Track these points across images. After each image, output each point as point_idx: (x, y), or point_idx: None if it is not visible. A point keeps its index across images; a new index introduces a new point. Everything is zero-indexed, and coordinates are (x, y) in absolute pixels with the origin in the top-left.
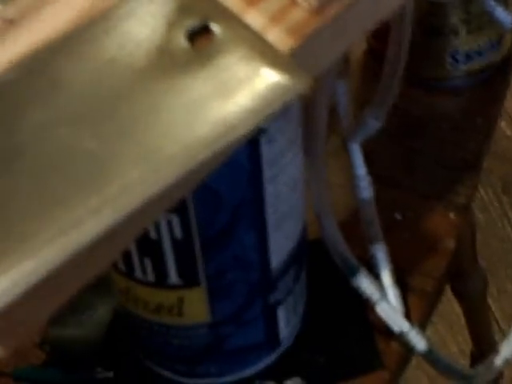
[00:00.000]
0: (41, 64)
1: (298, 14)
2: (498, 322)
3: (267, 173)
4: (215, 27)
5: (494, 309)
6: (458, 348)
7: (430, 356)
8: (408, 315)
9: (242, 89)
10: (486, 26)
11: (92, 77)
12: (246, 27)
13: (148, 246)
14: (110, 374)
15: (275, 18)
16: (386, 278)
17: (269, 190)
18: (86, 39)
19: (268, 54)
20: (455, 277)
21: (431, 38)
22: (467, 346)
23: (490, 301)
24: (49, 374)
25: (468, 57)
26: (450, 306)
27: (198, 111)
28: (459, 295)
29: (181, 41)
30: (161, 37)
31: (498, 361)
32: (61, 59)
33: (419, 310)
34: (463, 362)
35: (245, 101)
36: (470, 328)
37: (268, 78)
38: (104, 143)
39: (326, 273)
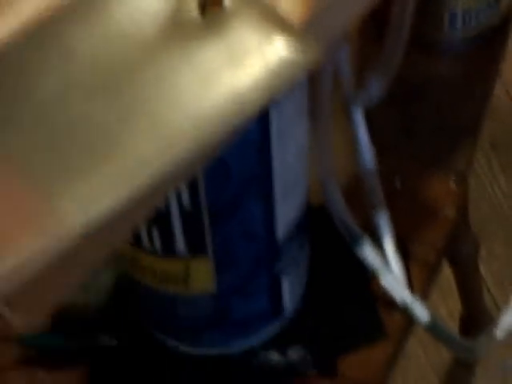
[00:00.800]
0: (50, 33)
1: None
2: (487, 286)
3: (276, 142)
4: None
5: (483, 273)
6: (447, 311)
7: (432, 327)
8: (410, 285)
9: (254, 61)
10: None
11: (103, 48)
12: None
13: (156, 215)
14: (114, 342)
15: None
16: (389, 247)
17: (277, 159)
18: (95, 8)
19: (279, 26)
20: (448, 241)
21: (429, 0)
22: (456, 309)
23: (479, 265)
24: (53, 340)
25: (466, 18)
26: (441, 269)
27: (209, 84)
28: (451, 260)
29: (192, 11)
30: (172, 6)
31: (499, 331)
32: (70, 28)
33: (421, 279)
34: (452, 325)
35: (257, 75)
36: (460, 292)
37: (279, 50)
38: (117, 115)
39: (328, 241)
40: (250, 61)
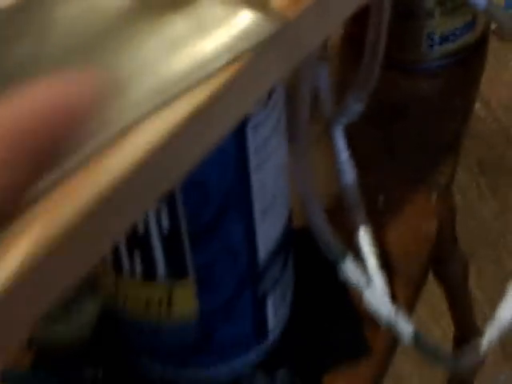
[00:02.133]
0: (32, 4)
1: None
2: (478, 304)
3: (253, 160)
4: None
5: (474, 291)
6: (441, 332)
7: (416, 341)
8: (394, 301)
9: (219, 27)
10: (460, 8)
11: (80, 16)
12: None
13: (136, 239)
14: (100, 372)
15: None
16: (372, 263)
17: (255, 178)
18: None
19: (246, 1)
20: (436, 260)
21: (407, 21)
22: (450, 329)
23: (470, 283)
24: (37, 376)
25: (443, 38)
26: (432, 289)
27: (175, 48)
28: (441, 279)
29: None
30: None
31: (483, 343)
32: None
33: (404, 294)
34: (447, 346)
35: (221, 38)
36: (452, 312)
37: (244, 16)
38: None
39: (312, 261)
40: (215, 28)
